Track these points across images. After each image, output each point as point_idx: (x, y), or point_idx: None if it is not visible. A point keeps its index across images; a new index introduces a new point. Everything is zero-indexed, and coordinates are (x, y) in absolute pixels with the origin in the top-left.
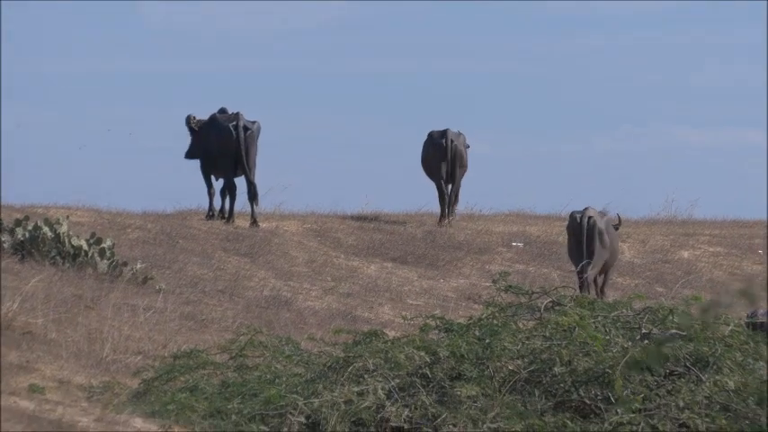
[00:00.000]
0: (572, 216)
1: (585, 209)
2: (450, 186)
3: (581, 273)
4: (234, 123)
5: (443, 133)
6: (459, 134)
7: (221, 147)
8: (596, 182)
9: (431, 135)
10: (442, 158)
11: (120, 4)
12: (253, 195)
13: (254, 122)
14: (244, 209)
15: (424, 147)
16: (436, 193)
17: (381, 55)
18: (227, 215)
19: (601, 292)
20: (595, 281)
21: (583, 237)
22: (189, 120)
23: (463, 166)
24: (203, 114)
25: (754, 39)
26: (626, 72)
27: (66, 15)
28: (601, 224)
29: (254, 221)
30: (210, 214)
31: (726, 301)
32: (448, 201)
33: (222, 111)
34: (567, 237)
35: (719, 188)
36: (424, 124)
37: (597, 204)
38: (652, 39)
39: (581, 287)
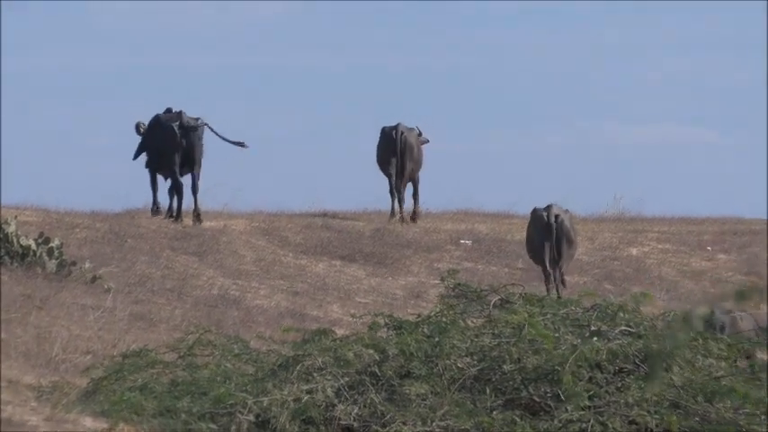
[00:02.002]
0: (537, 214)
1: (550, 206)
2: (403, 181)
3: (547, 271)
4: (177, 123)
5: (395, 127)
6: (412, 129)
7: (166, 146)
8: (543, 179)
9: (383, 129)
10: (393, 152)
11: (68, 2)
12: (195, 190)
13: (197, 119)
14: (190, 207)
15: (378, 142)
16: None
17: (329, 51)
18: (174, 214)
19: (562, 283)
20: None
21: (552, 235)
22: (138, 127)
23: (414, 160)
24: (150, 114)
25: (704, 33)
26: (574, 68)
27: (12, 11)
28: (567, 222)
29: (197, 217)
30: (155, 209)
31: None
32: (399, 197)
33: (167, 111)
34: (528, 233)
35: (667, 185)
36: (373, 121)
37: (545, 201)
38: (602, 35)
39: (548, 285)
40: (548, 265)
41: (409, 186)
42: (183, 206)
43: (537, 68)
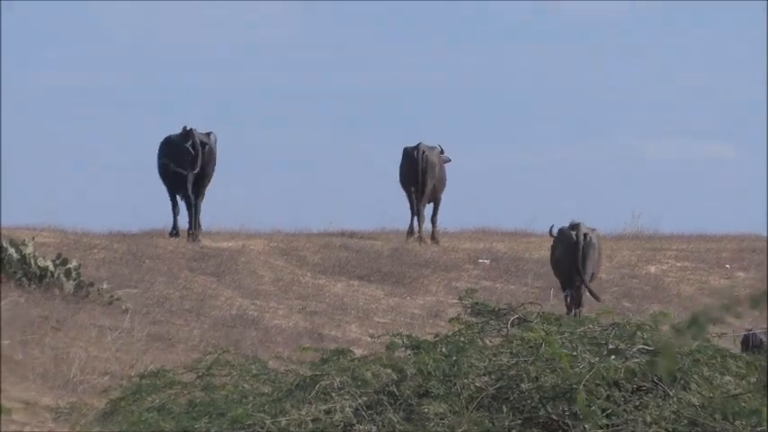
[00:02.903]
0: (565, 233)
1: (578, 225)
2: (422, 200)
3: (572, 288)
4: (190, 142)
5: (416, 147)
6: (434, 147)
7: (180, 166)
8: (560, 196)
9: (404, 150)
10: (414, 171)
11: (83, 20)
12: (197, 208)
13: (209, 134)
14: (209, 227)
15: (401, 162)
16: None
17: (345, 70)
18: (191, 232)
19: (593, 294)
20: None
21: (579, 254)
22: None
23: (436, 179)
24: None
25: (721, 49)
26: (591, 84)
27: (28, 30)
28: (595, 240)
29: (193, 234)
30: (174, 232)
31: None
32: (419, 214)
33: (184, 130)
34: (554, 252)
35: (685, 202)
36: (389, 140)
37: (562, 219)
38: (619, 48)
39: (573, 304)
40: (574, 283)
41: (429, 206)
42: (203, 226)
43: (552, 85)
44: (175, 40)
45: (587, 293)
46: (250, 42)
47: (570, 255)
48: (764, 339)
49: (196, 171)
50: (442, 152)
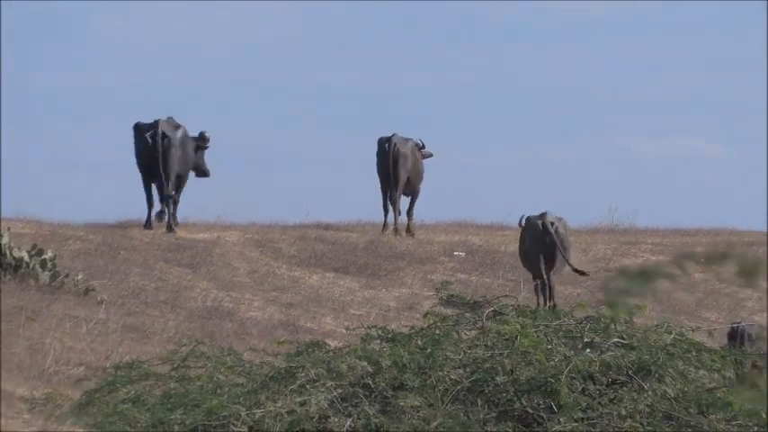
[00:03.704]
0: (532, 222)
1: (544, 214)
2: (396, 191)
3: (542, 278)
4: (151, 132)
5: (389, 138)
6: (409, 139)
7: (143, 156)
8: (537, 192)
9: (379, 140)
10: (386, 162)
11: (65, 18)
12: (165, 199)
13: (178, 127)
14: (185, 219)
15: (376, 152)
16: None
17: (324, 67)
18: (167, 223)
19: (551, 296)
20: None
21: (547, 243)
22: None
23: (409, 170)
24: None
25: (697, 47)
26: (572, 82)
27: (11, 28)
28: (562, 229)
29: (168, 225)
30: (148, 224)
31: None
32: (393, 207)
33: (169, 119)
34: (522, 242)
35: (661, 197)
36: (368, 134)
37: (537, 212)
38: (600, 47)
39: (543, 292)
40: (543, 272)
41: (406, 199)
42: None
43: (534, 82)
44: (154, 40)
45: (556, 284)
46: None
47: (536, 243)
48: (752, 333)
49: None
50: (422, 147)
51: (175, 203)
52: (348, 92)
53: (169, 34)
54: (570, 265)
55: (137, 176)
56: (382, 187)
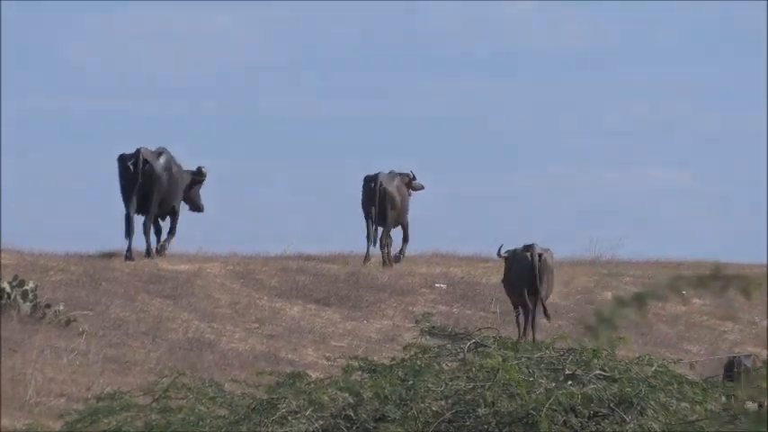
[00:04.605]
0: (519, 254)
1: (532, 246)
2: (385, 228)
3: (527, 311)
4: (133, 161)
5: (374, 177)
6: (394, 177)
7: (127, 185)
8: (518, 224)
9: (365, 178)
10: (371, 201)
11: (37, 43)
12: (146, 229)
13: (160, 153)
14: (170, 249)
15: (362, 189)
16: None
17: (304, 96)
18: (154, 251)
19: (545, 315)
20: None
21: (535, 275)
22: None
23: (396, 208)
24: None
25: (676, 76)
26: (546, 114)
27: None
28: (550, 261)
29: (150, 252)
30: (129, 255)
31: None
32: (377, 241)
33: (160, 149)
34: (508, 273)
35: (642, 229)
36: (348, 166)
37: (520, 244)
38: (566, 76)
39: (526, 324)
40: (529, 305)
41: (397, 231)
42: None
43: (509, 114)
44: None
45: (540, 316)
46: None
47: (525, 275)
48: (748, 364)
49: (136, 189)
50: (413, 179)
51: (172, 235)
52: (326, 121)
53: (146, 62)
54: (543, 304)
55: (118, 207)
56: (366, 219)
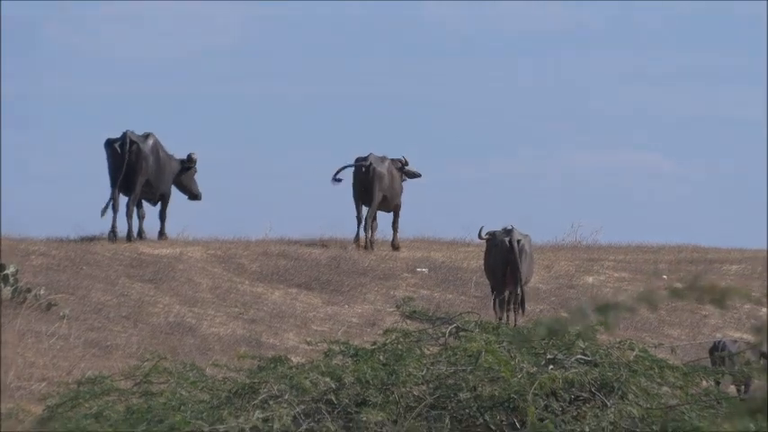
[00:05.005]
0: (498, 237)
1: (511, 230)
2: (371, 210)
3: (504, 295)
4: (120, 142)
5: (364, 158)
6: (384, 159)
7: (114, 168)
8: (500, 208)
9: (356, 160)
10: (360, 182)
11: (18, 27)
12: (129, 212)
13: (147, 136)
14: (148, 235)
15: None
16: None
17: (277, 79)
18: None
19: (521, 308)
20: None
21: (514, 259)
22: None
23: (385, 189)
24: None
25: (659, 63)
26: (530, 97)
27: None
28: (528, 246)
29: (131, 236)
30: (111, 235)
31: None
32: (365, 224)
33: (145, 135)
34: (487, 257)
35: (623, 213)
36: (329, 149)
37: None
38: (550, 62)
39: (502, 307)
40: (508, 288)
41: (387, 215)
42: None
43: (491, 98)
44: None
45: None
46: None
47: (503, 260)
48: (733, 349)
49: (123, 170)
50: (406, 164)
51: (162, 218)
52: (306, 105)
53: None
54: (523, 291)
55: (100, 190)
56: (355, 201)
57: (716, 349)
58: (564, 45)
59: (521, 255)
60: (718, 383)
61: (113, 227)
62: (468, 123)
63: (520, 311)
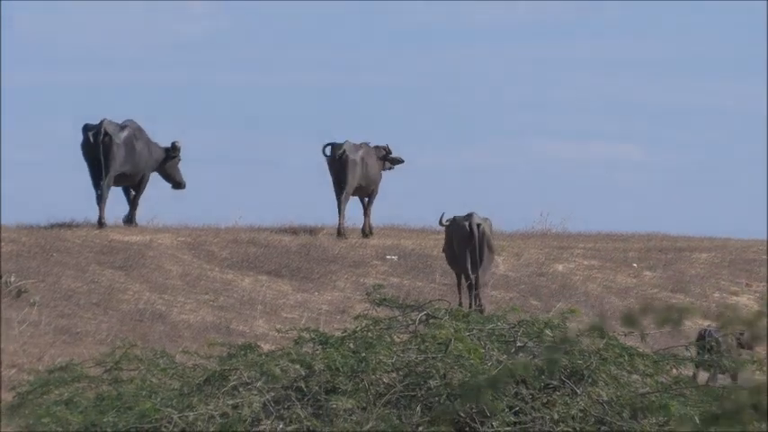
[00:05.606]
0: (458, 222)
1: (471, 215)
2: (344, 197)
3: (467, 279)
4: (94, 132)
5: (340, 145)
6: (360, 146)
7: (88, 155)
8: (469, 196)
9: (331, 147)
10: (334, 169)
11: None
12: (99, 199)
13: (124, 127)
14: (117, 221)
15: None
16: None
17: (253, 68)
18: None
19: (477, 296)
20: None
21: (474, 244)
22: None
23: (359, 177)
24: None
25: (629, 52)
26: (498, 85)
27: None
28: (488, 230)
29: (102, 223)
30: (100, 221)
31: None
32: (340, 211)
33: (127, 121)
34: (448, 242)
35: (593, 201)
36: (301, 136)
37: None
38: (518, 51)
39: (468, 291)
40: (470, 273)
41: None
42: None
43: (462, 85)
44: (85, 39)
45: (487, 286)
46: (164, 42)
47: (462, 244)
48: (719, 338)
49: (95, 159)
50: (389, 152)
51: (134, 205)
52: (278, 93)
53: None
54: (478, 276)
55: (68, 177)
56: (334, 188)
57: (702, 338)
58: (534, 35)
59: (481, 239)
60: (698, 368)
61: (101, 215)
62: (438, 113)
63: (480, 305)
